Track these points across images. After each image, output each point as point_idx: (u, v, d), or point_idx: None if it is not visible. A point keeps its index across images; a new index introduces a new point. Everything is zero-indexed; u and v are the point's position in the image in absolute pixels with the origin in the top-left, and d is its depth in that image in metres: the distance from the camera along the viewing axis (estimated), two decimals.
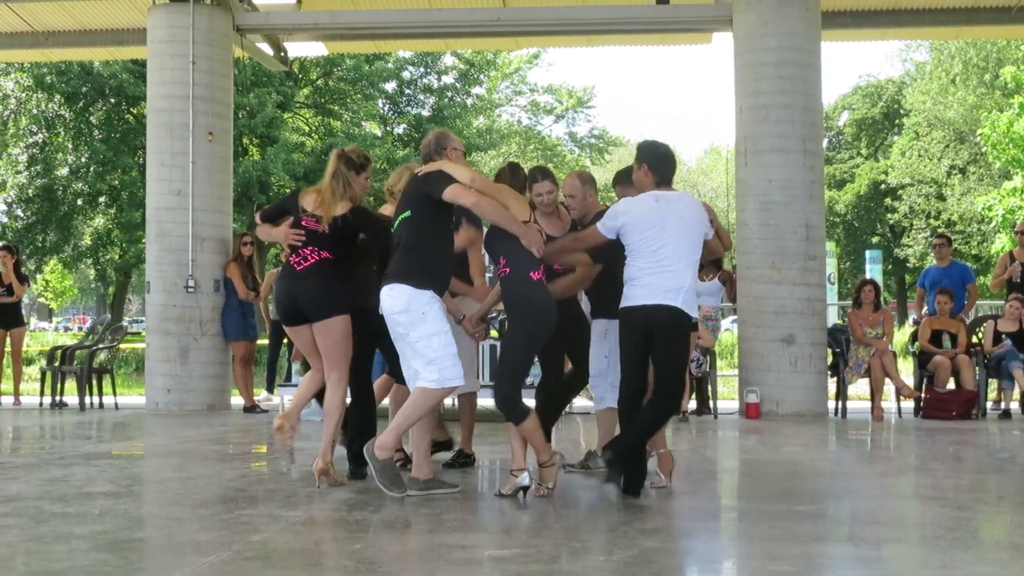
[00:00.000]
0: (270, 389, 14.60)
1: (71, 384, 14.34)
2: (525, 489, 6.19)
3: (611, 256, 6.94)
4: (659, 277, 6.33)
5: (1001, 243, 29.74)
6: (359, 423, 7.06)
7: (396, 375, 7.09)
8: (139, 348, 20.57)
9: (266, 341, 15.27)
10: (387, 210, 7.27)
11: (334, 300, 6.59)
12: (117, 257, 35.18)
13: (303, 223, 6.67)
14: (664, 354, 6.41)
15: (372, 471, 6.22)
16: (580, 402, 12.36)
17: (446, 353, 6.13)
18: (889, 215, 45.86)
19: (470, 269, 7.44)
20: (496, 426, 8.32)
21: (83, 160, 32.02)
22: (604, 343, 7.45)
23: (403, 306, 6.12)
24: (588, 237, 6.75)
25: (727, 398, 15.32)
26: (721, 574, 4.74)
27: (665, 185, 6.60)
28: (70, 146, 32.50)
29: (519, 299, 6.22)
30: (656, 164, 6.60)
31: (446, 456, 7.93)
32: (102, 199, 32.52)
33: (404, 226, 6.24)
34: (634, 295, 6.41)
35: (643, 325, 6.36)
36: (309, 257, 6.65)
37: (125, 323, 18.55)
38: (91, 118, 32.03)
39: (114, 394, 13.77)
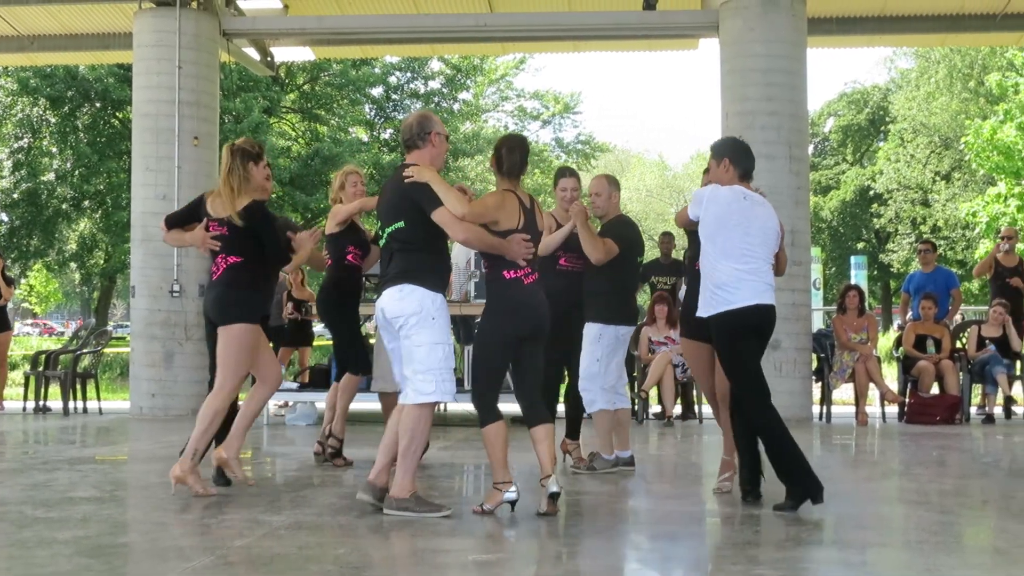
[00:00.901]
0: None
1: (55, 389, 14.28)
2: (513, 503, 5.95)
3: (616, 261, 7.02)
4: (756, 278, 6.24)
5: (985, 248, 29.85)
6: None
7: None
8: (123, 353, 20.49)
9: None
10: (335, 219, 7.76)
11: (234, 306, 6.48)
12: (102, 261, 35.05)
13: (210, 228, 6.55)
14: (761, 354, 6.34)
15: (406, 517, 5.75)
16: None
17: (446, 366, 5.91)
18: (875, 220, 45.98)
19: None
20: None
21: (68, 164, 31.91)
22: (596, 347, 7.47)
23: (415, 308, 5.85)
24: (680, 219, 6.63)
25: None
26: None
27: (747, 180, 6.49)
28: (55, 150, 32.39)
29: (492, 296, 6.09)
30: (738, 158, 6.47)
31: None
32: (87, 203, 32.40)
33: (399, 235, 5.95)
34: (740, 296, 6.18)
35: (757, 326, 6.26)
36: (220, 264, 6.58)
37: (110, 328, 18.45)
38: (76, 122, 31.92)
39: (98, 399, 13.72)
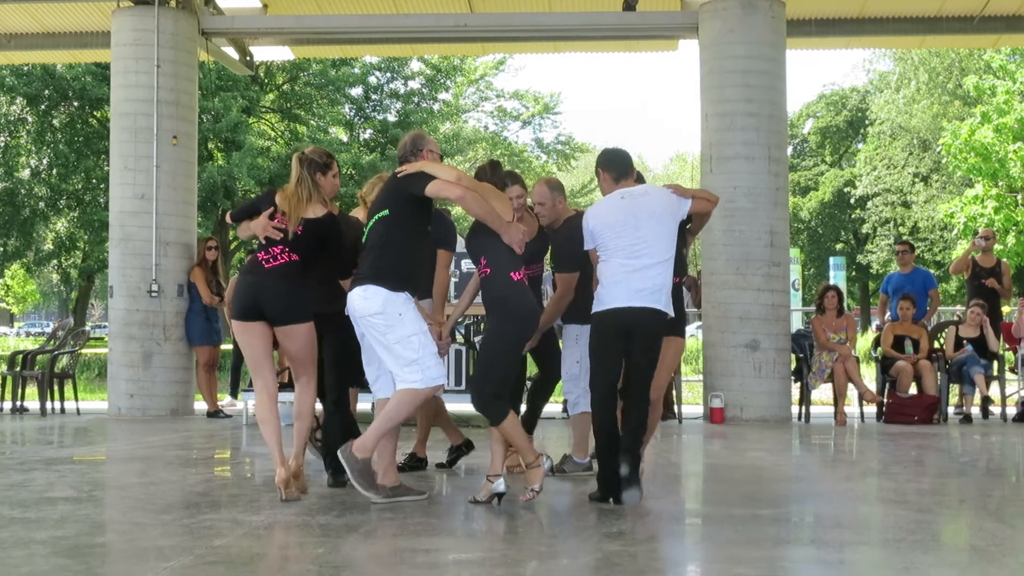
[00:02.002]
0: (234, 394, 14.50)
1: (32, 389, 14.20)
2: (500, 496, 6.08)
3: (584, 262, 6.97)
4: (636, 277, 6.24)
5: (963, 249, 30.01)
6: (340, 431, 6.79)
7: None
8: (101, 353, 20.40)
9: (230, 346, 15.18)
10: (359, 214, 7.26)
11: (299, 306, 6.47)
12: (80, 260, 34.87)
13: (276, 219, 6.47)
14: (643, 357, 6.34)
15: (348, 471, 6.07)
16: (548, 407, 12.34)
17: (427, 352, 6.03)
18: (856, 224, 46.18)
19: (434, 288, 7.40)
20: (466, 430, 8.31)
21: (45, 163, 31.74)
22: (576, 348, 7.45)
23: (378, 308, 6.00)
24: (569, 282, 6.99)
25: (692, 403, 15.38)
26: None
27: (626, 180, 6.55)
28: (33, 149, 32.21)
29: (499, 299, 6.13)
30: (608, 164, 6.63)
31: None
32: (64, 202, 32.21)
33: (380, 225, 6.13)
34: (612, 297, 6.27)
35: (622, 327, 6.26)
36: (279, 256, 6.45)
37: (87, 328, 18.35)
38: (54, 121, 31.75)
39: (76, 399, 13.66)
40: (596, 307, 6.39)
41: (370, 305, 6.02)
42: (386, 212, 6.13)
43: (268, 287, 6.41)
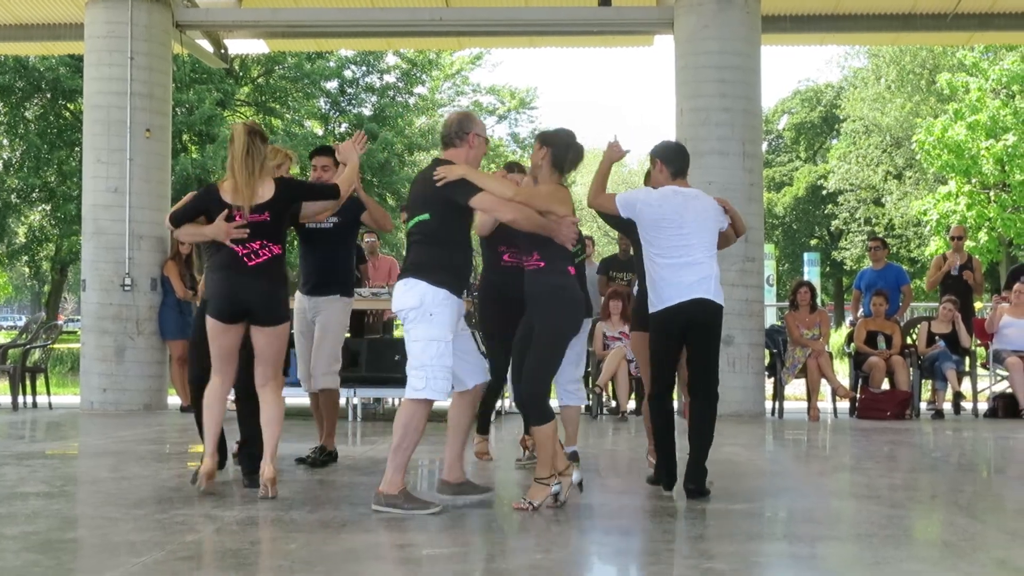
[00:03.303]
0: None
1: (3, 383, 14.11)
2: (556, 496, 5.92)
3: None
4: (686, 272, 6.35)
5: (936, 246, 30.22)
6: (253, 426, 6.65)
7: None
8: (74, 347, 20.30)
9: None
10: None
11: (284, 304, 6.40)
12: (52, 254, 34.66)
13: (236, 217, 6.23)
14: (704, 349, 6.45)
15: (392, 512, 5.70)
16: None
17: (440, 364, 5.80)
18: (830, 220, 46.40)
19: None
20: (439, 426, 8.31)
21: (17, 156, 31.52)
22: None
23: (415, 302, 5.81)
24: (606, 201, 6.61)
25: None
26: (657, 573, 4.76)
27: (681, 179, 6.61)
28: (5, 141, 31.98)
29: (558, 287, 5.96)
30: (669, 159, 6.62)
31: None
32: (36, 194, 31.99)
33: (423, 226, 5.93)
34: (668, 295, 6.33)
35: (683, 324, 6.36)
36: (261, 253, 6.25)
37: (60, 322, 18.26)
38: (26, 113, 31.53)
39: (48, 393, 13.57)
40: (653, 308, 6.43)
41: (407, 299, 5.85)
42: (426, 217, 5.92)
43: (255, 288, 6.24)
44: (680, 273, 6.34)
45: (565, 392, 7.71)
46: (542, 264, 5.97)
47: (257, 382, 6.37)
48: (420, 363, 5.80)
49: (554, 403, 7.39)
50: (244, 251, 6.23)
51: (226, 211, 6.24)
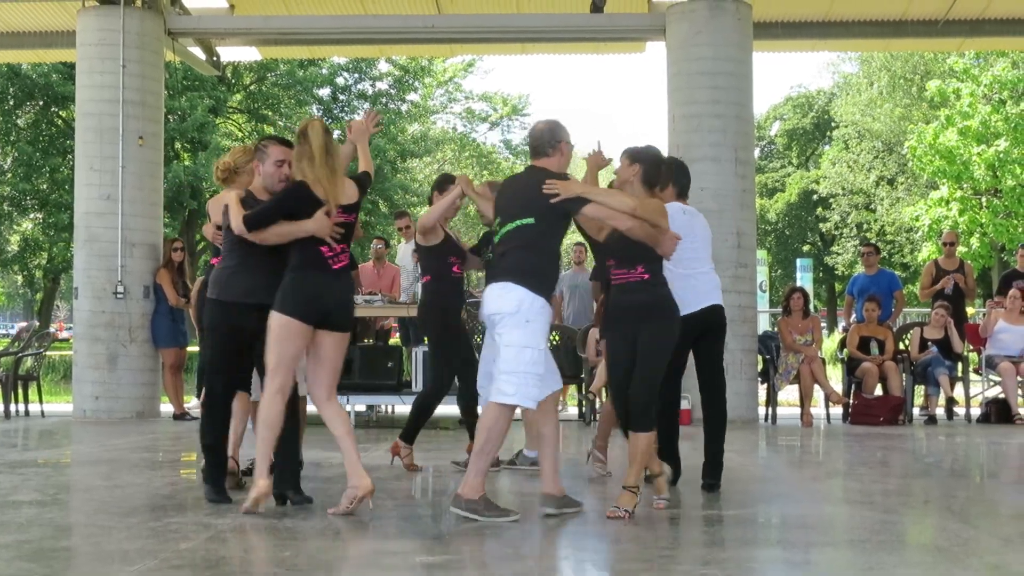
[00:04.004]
0: (200, 396, 14.41)
1: None
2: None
3: None
4: (698, 280, 6.79)
5: (928, 251, 30.28)
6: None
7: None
8: (67, 355, 20.25)
9: (196, 348, 15.09)
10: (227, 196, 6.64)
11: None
12: (45, 260, 34.59)
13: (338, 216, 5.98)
14: (719, 349, 6.99)
15: (475, 518, 5.66)
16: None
17: (533, 371, 5.78)
18: (821, 224, 46.47)
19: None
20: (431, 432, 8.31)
21: (9, 163, 31.47)
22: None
23: (513, 307, 5.77)
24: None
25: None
26: None
27: (684, 198, 7.00)
28: None
29: (665, 299, 6.12)
30: (680, 177, 6.97)
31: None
32: (28, 201, 31.91)
33: (524, 231, 5.88)
34: (687, 302, 6.47)
35: (700, 329, 6.73)
36: (341, 257, 6.01)
37: (52, 330, 18.23)
38: (18, 120, 31.48)
39: (40, 401, 13.54)
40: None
41: (504, 303, 5.80)
42: (531, 220, 5.88)
43: (338, 290, 6.02)
44: (696, 282, 6.75)
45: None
46: (647, 276, 6.10)
47: (320, 395, 6.03)
48: (512, 368, 5.77)
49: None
50: (330, 253, 5.97)
51: (328, 207, 5.95)
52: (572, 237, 41.72)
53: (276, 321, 5.89)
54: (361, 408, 12.92)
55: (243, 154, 6.91)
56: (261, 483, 5.85)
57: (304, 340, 5.94)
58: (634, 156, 6.28)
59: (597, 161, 6.67)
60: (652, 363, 6.02)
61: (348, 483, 5.86)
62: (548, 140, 6.08)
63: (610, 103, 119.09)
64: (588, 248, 13.62)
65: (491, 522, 5.62)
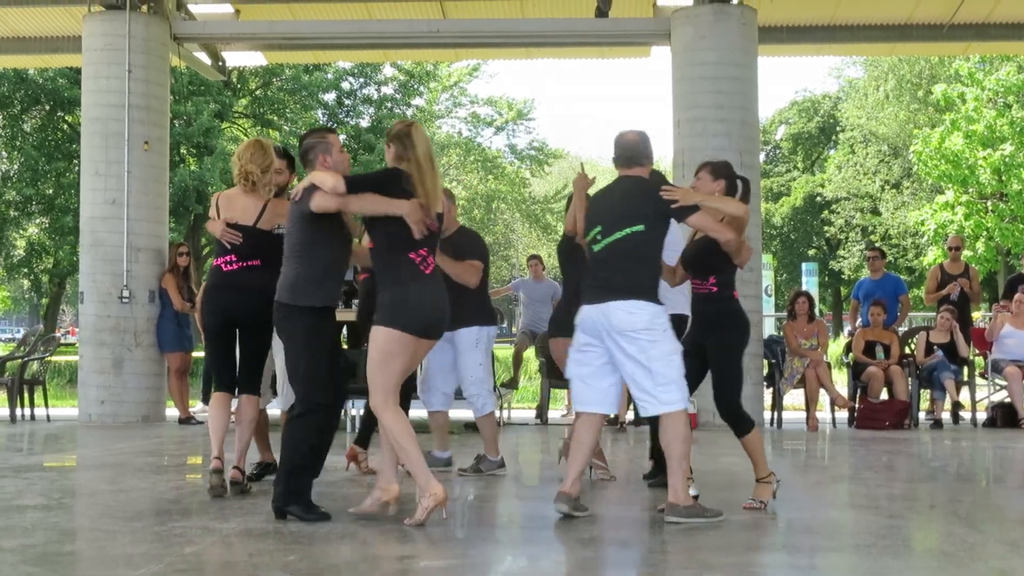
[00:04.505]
0: (206, 401, 14.42)
1: (1, 396, 14.09)
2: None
3: (486, 260, 7.30)
4: (672, 289, 6.91)
5: (934, 256, 30.24)
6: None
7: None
8: (72, 359, 20.27)
9: (202, 352, 15.09)
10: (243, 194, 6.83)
11: None
12: (51, 265, 34.64)
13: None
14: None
15: (697, 522, 5.76)
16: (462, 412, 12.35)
17: (682, 373, 5.95)
18: (827, 227, 46.43)
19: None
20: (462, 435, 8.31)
21: (15, 167, 31.53)
22: (476, 352, 7.81)
23: (646, 323, 5.85)
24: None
25: None
26: None
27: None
28: (3, 154, 31.99)
29: (735, 312, 6.45)
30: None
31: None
32: (34, 206, 31.96)
33: (633, 239, 5.96)
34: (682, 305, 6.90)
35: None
36: (428, 261, 5.87)
37: (58, 335, 18.24)
38: (24, 125, 31.54)
39: (46, 406, 13.55)
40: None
41: (636, 320, 5.85)
42: (641, 228, 5.95)
43: (442, 299, 5.92)
44: (671, 292, 6.84)
45: (440, 396, 8.00)
46: (715, 289, 6.39)
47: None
48: (671, 378, 5.88)
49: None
50: (418, 259, 5.82)
51: (419, 200, 5.78)
52: None
53: (386, 336, 5.76)
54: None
55: (259, 154, 6.84)
56: (395, 488, 5.87)
57: (411, 352, 5.87)
58: (718, 171, 6.52)
59: (584, 183, 6.88)
60: (727, 372, 6.38)
61: (419, 491, 5.72)
62: (643, 151, 6.22)
63: (615, 107, 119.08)
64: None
65: (709, 523, 5.75)
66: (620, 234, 5.96)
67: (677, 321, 6.54)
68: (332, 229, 5.94)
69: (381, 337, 5.76)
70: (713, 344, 6.34)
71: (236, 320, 6.79)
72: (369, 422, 7.89)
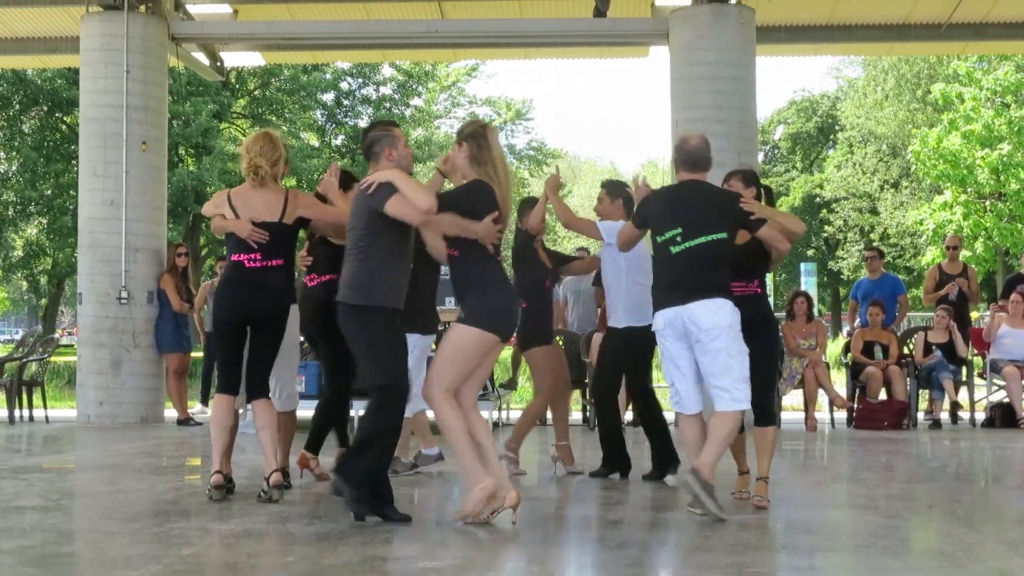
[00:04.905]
0: (204, 402, 14.44)
1: (0, 397, 14.08)
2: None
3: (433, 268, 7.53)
4: (648, 295, 6.93)
5: (932, 255, 30.24)
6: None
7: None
8: (71, 361, 20.26)
9: (200, 353, 15.11)
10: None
11: None
12: (49, 266, 34.64)
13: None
14: (650, 364, 8.03)
15: (699, 495, 5.94)
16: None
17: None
18: (826, 227, 46.44)
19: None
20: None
21: (14, 168, 31.51)
22: (410, 356, 7.71)
23: (730, 319, 6.13)
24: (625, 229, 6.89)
25: (664, 410, 15.35)
26: None
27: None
28: (1, 155, 31.98)
29: (772, 313, 6.77)
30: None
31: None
32: (32, 207, 31.95)
33: (715, 246, 6.20)
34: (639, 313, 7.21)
35: (646, 340, 7.04)
36: (499, 261, 6.07)
37: (56, 335, 18.23)
38: (23, 126, 31.54)
39: (45, 407, 13.54)
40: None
41: (722, 317, 6.11)
42: (724, 236, 6.24)
43: (518, 303, 6.07)
44: (648, 297, 6.87)
45: (416, 400, 7.91)
46: (759, 291, 6.67)
47: (472, 402, 5.95)
48: (743, 376, 6.16)
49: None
50: (500, 259, 6.04)
51: (496, 213, 5.86)
52: (575, 241, 41.68)
53: (475, 337, 5.78)
54: None
55: (268, 147, 6.69)
56: (514, 494, 5.75)
57: (487, 354, 5.92)
58: (748, 179, 6.75)
59: (555, 184, 7.36)
60: (769, 371, 6.63)
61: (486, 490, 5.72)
62: (708, 156, 6.51)
63: (613, 108, 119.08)
64: (589, 252, 13.57)
65: (711, 513, 5.86)
66: (704, 239, 6.21)
67: (627, 333, 6.99)
68: (401, 226, 5.89)
69: (468, 337, 5.79)
70: (760, 345, 6.43)
71: (252, 318, 6.61)
72: (324, 426, 7.64)
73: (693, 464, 6.07)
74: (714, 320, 6.08)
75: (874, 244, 37.67)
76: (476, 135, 5.94)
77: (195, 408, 14.18)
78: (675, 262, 6.21)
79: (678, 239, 6.21)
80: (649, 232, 6.51)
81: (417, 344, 7.76)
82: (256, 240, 6.54)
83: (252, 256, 6.58)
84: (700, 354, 6.15)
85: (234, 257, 6.63)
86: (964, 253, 25.95)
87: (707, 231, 6.19)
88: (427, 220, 5.78)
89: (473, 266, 5.87)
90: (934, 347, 13.00)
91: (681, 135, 6.71)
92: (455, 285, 5.93)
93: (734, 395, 6.11)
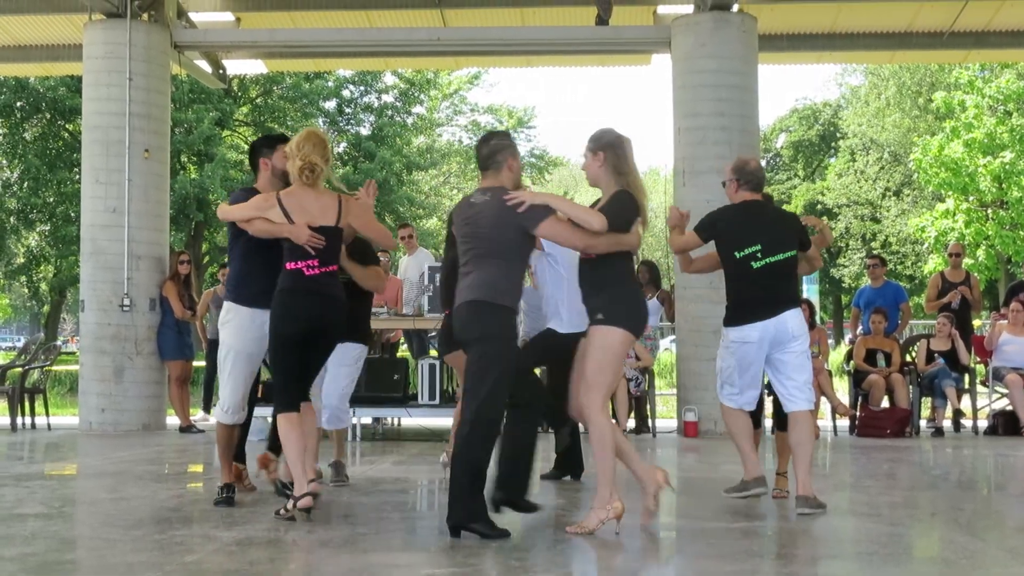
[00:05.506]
0: (206, 409, 14.43)
1: (2, 404, 14.08)
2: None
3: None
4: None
5: (934, 263, 30.22)
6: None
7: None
8: (73, 368, 20.26)
9: (202, 361, 15.11)
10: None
11: None
12: (51, 274, 34.62)
13: None
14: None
15: (814, 514, 6.43)
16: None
17: None
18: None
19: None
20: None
21: (16, 176, 31.52)
22: (354, 368, 7.86)
23: (804, 328, 6.80)
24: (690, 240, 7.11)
25: (666, 417, 15.39)
26: None
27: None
28: (4, 162, 31.98)
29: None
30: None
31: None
32: (35, 215, 31.95)
33: (790, 262, 6.79)
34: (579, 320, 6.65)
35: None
36: None
37: (59, 343, 18.24)
38: (25, 134, 31.55)
39: (47, 414, 13.55)
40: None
41: (803, 325, 6.79)
42: (794, 252, 6.80)
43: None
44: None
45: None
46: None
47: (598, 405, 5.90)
48: (808, 380, 6.77)
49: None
50: (629, 262, 6.11)
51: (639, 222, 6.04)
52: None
53: (622, 338, 5.79)
54: (367, 421, 12.90)
55: (320, 145, 6.33)
56: (619, 505, 5.76)
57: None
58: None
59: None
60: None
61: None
62: (764, 176, 7.04)
63: (616, 115, 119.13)
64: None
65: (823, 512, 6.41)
66: (782, 256, 6.75)
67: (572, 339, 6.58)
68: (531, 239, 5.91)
69: (616, 339, 5.77)
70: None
71: (319, 329, 6.28)
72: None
73: (799, 494, 6.48)
74: (800, 327, 6.71)
75: (876, 252, 37.62)
76: (615, 144, 5.98)
77: (197, 415, 14.18)
78: (758, 276, 6.69)
79: (759, 255, 6.68)
80: (715, 247, 6.91)
81: (361, 355, 7.88)
82: (314, 246, 6.22)
83: (310, 263, 6.23)
84: (781, 356, 6.67)
85: (290, 265, 6.22)
86: (966, 261, 25.91)
87: (783, 248, 6.74)
88: (593, 244, 5.75)
89: (603, 263, 5.84)
90: (936, 355, 12.99)
91: (739, 157, 7.17)
92: (586, 283, 5.90)
93: (805, 396, 6.69)
